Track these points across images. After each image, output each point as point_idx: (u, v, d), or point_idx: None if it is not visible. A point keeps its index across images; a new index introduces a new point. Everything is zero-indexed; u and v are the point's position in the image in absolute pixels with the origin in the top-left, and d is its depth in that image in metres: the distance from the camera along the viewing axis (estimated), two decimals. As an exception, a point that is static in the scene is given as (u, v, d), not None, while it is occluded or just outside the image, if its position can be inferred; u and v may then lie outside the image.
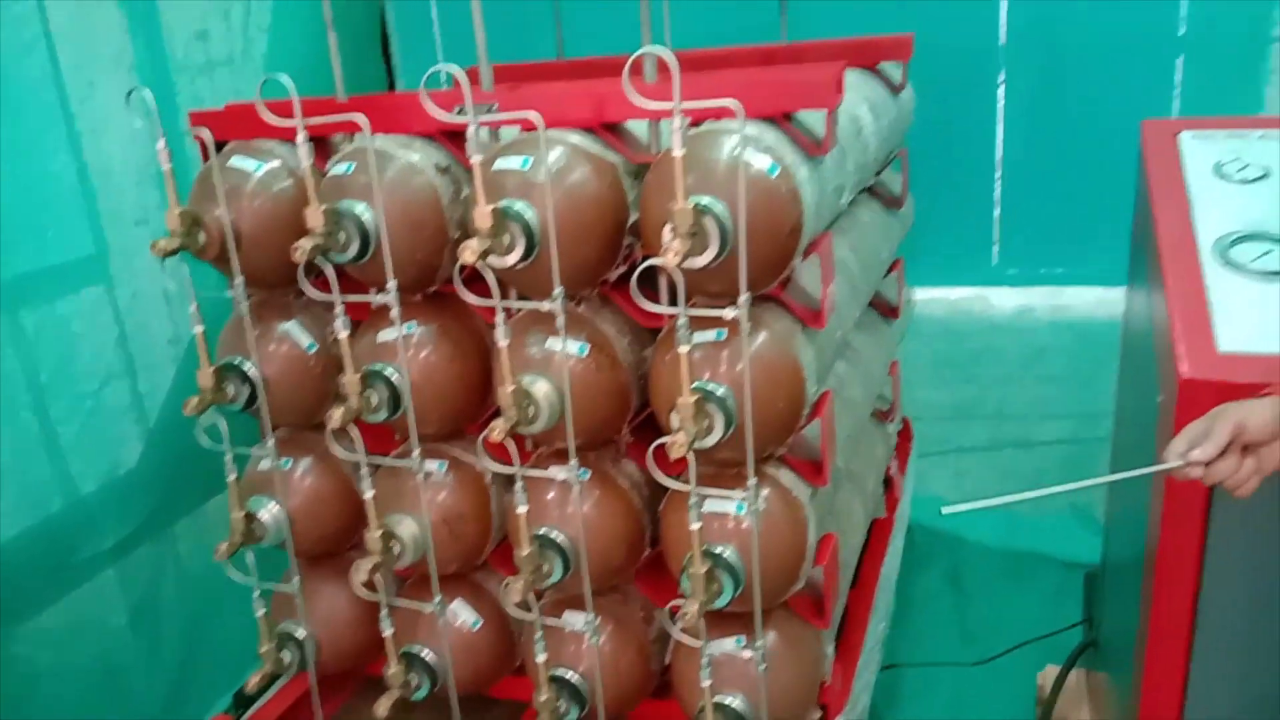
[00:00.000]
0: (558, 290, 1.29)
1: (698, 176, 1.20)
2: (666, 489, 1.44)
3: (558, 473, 1.41)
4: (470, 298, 1.33)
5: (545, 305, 1.30)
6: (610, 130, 1.39)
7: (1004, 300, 3.06)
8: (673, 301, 1.25)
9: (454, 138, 1.46)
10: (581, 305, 1.42)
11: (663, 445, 1.25)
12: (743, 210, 1.17)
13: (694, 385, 1.25)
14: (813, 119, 1.37)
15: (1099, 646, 2.00)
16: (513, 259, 1.27)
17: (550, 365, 1.37)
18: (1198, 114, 2.40)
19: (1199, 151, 1.58)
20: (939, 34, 2.40)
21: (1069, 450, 2.81)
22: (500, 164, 1.31)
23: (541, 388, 1.34)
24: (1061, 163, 2.80)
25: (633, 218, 1.37)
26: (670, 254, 1.14)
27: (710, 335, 1.29)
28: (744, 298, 1.21)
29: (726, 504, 1.35)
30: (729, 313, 1.21)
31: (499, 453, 1.41)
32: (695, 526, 1.29)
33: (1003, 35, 2.80)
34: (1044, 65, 2.76)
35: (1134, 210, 1.80)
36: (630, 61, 1.16)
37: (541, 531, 1.42)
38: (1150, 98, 2.63)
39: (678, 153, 1.15)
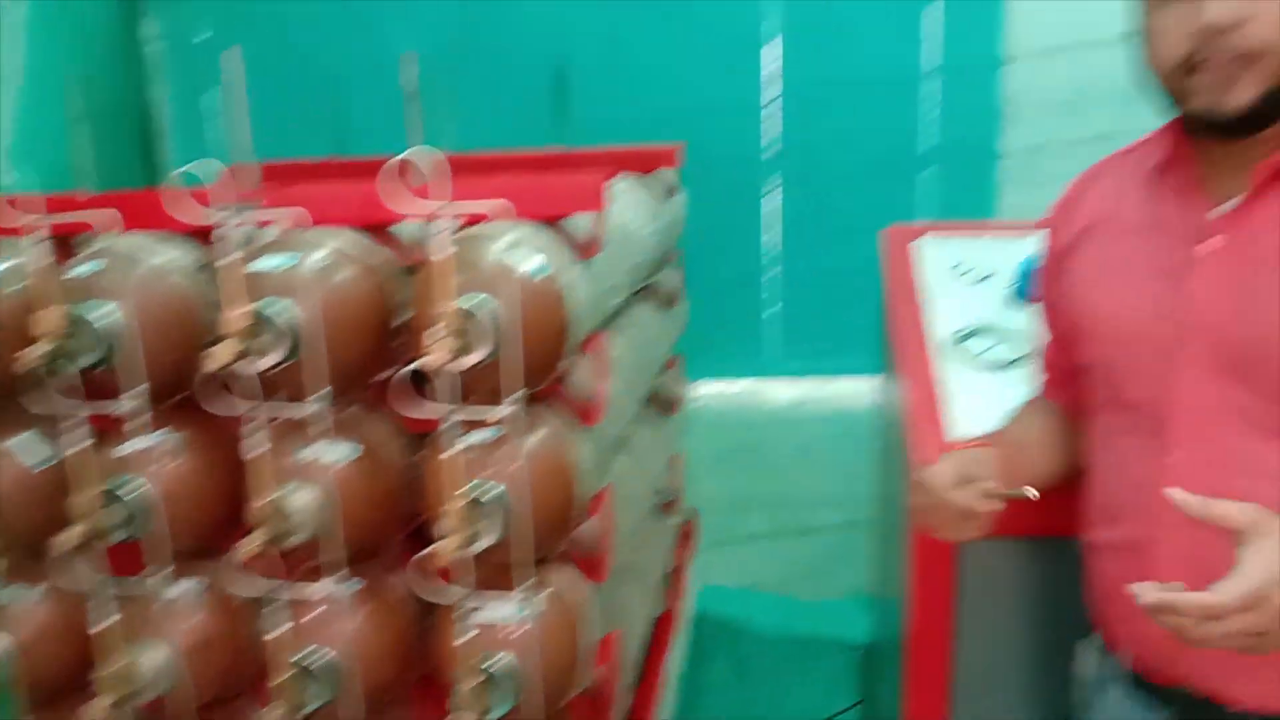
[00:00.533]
0: (323, 392, 1.24)
1: (467, 277, 1.20)
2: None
3: (322, 589, 1.33)
4: (218, 406, 1.25)
5: (307, 409, 1.24)
6: (380, 230, 1.37)
7: (776, 392, 3.23)
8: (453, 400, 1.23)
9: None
10: (350, 408, 1.36)
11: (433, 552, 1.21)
12: (515, 310, 1.18)
13: (466, 487, 1.22)
14: (583, 222, 1.40)
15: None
16: (269, 361, 1.21)
17: (313, 472, 1.30)
18: (940, 219, 2.67)
19: (936, 254, 1.73)
20: (709, 142, 2.54)
21: (844, 534, 2.95)
22: (261, 263, 1.26)
23: (302, 497, 1.27)
24: (821, 262, 3.01)
25: (405, 317, 1.34)
26: (438, 354, 1.12)
27: (483, 435, 1.27)
28: (516, 395, 1.20)
29: (500, 610, 1.31)
30: (499, 412, 1.20)
31: (258, 570, 1.32)
32: (466, 638, 1.24)
33: (767, 144, 3.02)
34: (805, 173, 2.98)
35: (882, 307, 1.94)
36: (397, 162, 1.15)
37: (302, 655, 1.32)
38: (897, 202, 2.89)
39: (445, 253, 1.14)
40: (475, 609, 1.27)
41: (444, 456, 1.25)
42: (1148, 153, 1.06)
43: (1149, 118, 1.14)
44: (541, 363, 1.26)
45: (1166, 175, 1.03)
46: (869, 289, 2.54)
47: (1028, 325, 1.51)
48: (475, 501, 1.22)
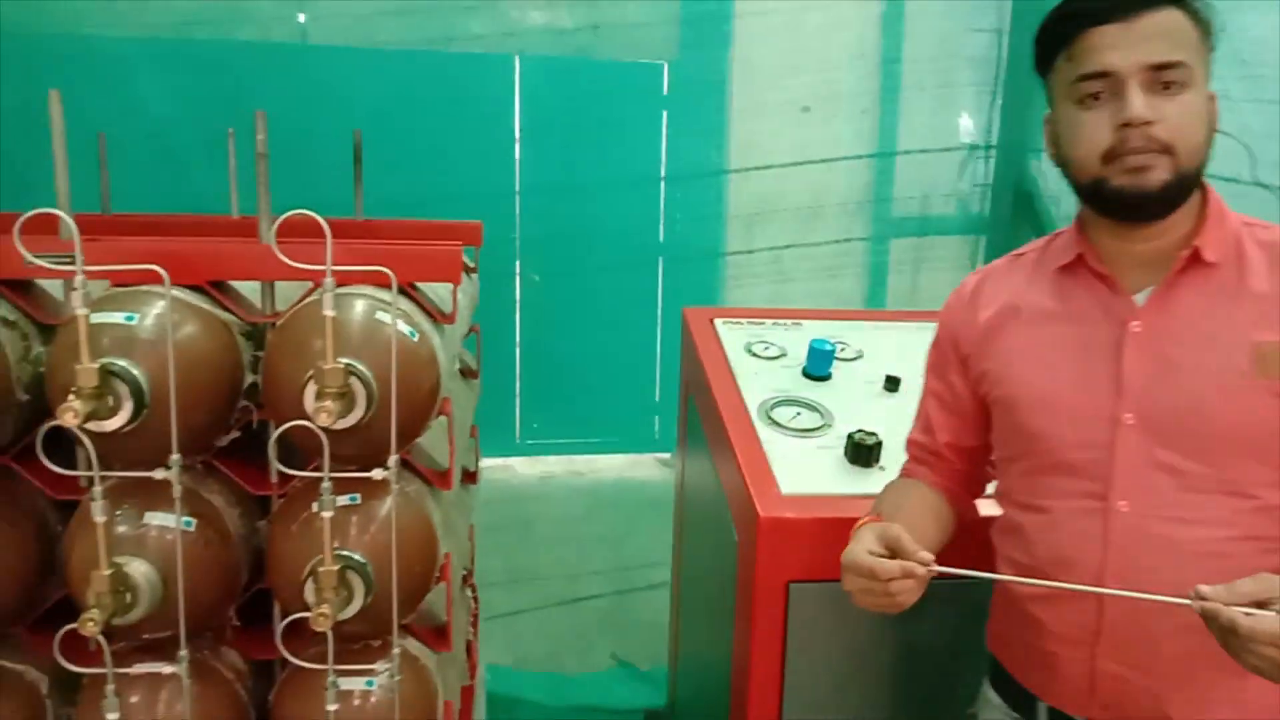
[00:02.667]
0: (175, 457, 1.17)
1: (339, 339, 1.19)
2: (272, 678, 1.33)
3: (160, 667, 1.23)
4: (53, 466, 1.14)
5: (159, 474, 1.16)
6: (219, 289, 1.32)
7: (528, 469, 3.31)
8: (296, 465, 1.20)
9: (19, 289, 1.28)
10: (185, 475, 1.28)
11: (293, 625, 1.16)
12: (394, 371, 1.19)
13: (338, 552, 1.19)
14: (432, 290, 1.43)
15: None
16: (118, 422, 1.13)
17: (147, 543, 1.21)
18: (671, 305, 2.92)
19: (731, 335, 1.91)
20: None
21: (609, 604, 3.05)
22: (101, 317, 1.17)
23: (140, 570, 1.18)
24: (572, 344, 3.17)
25: (249, 380, 1.30)
26: (322, 414, 1.11)
27: (344, 500, 1.25)
28: (394, 458, 1.20)
29: (355, 681, 1.27)
30: (378, 473, 1.19)
31: (73, 653, 1.19)
32: (332, 708, 1.20)
33: (518, 232, 3.15)
34: (553, 261, 3.14)
35: (681, 380, 2.09)
36: (281, 221, 1.14)
37: (135, 741, 1.21)
38: (639, 290, 3.12)
39: (329, 312, 1.13)
40: (339, 678, 1.23)
41: (301, 522, 1.21)
42: (1052, 254, 1.21)
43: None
44: (411, 424, 1.27)
45: (1076, 271, 1.17)
46: (615, 370, 2.72)
47: (818, 398, 1.72)
48: (346, 567, 1.19)
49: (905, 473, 1.38)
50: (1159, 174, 1.04)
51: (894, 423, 1.66)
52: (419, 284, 1.39)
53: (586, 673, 2.87)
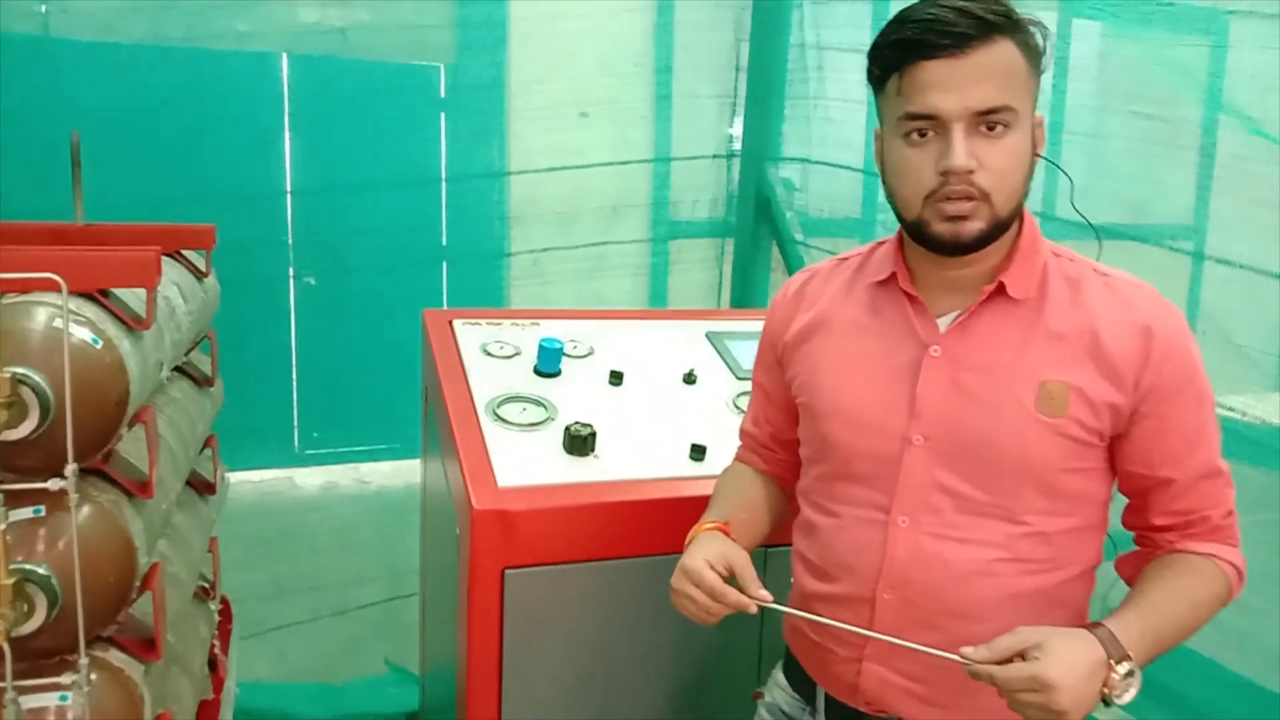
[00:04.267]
0: None
1: (12, 347, 1.16)
2: (-39, 701, 1.28)
3: None
4: None
5: None
6: (-114, 299, 1.26)
7: (309, 479, 3.24)
8: (-24, 479, 1.16)
9: None
10: None
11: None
12: (68, 380, 1.17)
13: (11, 566, 1.16)
14: (130, 296, 1.41)
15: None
16: None
17: None
18: (458, 306, 2.94)
19: (469, 335, 1.96)
20: (236, 227, 2.56)
21: (382, 610, 3.03)
22: None
23: None
24: (351, 349, 3.13)
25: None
26: (-15, 425, 1.08)
27: (26, 512, 1.22)
28: (71, 468, 1.18)
29: (48, 697, 1.24)
30: (55, 484, 1.17)
31: None
32: (14, 726, 1.17)
33: (290, 234, 3.08)
34: (329, 263, 3.10)
35: (422, 383, 2.12)
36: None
37: None
38: (421, 293, 3.12)
39: (-9, 321, 1.11)
40: (24, 695, 1.19)
41: (-17, 536, 1.17)
42: (871, 266, 1.24)
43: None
44: (96, 434, 1.25)
45: (888, 287, 1.20)
46: (397, 373, 2.71)
47: (546, 393, 1.79)
48: (25, 579, 1.16)
49: (737, 458, 1.45)
50: (975, 224, 1.07)
51: (615, 414, 1.76)
52: (114, 290, 1.37)
53: (358, 679, 2.85)
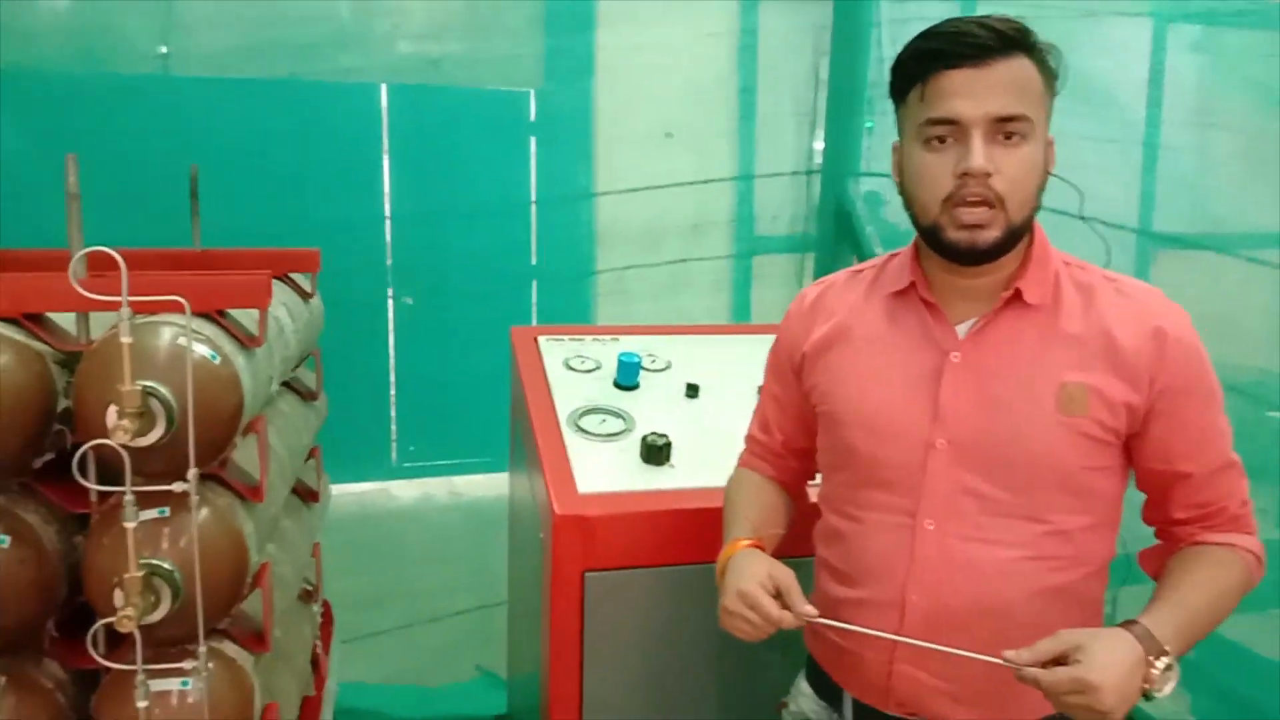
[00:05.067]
0: (-19, 478, 1.25)
1: (141, 363, 1.29)
2: (94, 686, 1.41)
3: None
4: None
5: (-35, 494, 1.24)
6: (33, 320, 1.41)
7: (405, 491, 3.38)
8: (110, 483, 1.29)
9: None
10: (2, 496, 1.37)
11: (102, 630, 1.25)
12: (190, 392, 1.29)
13: (140, 561, 1.29)
14: (244, 316, 1.54)
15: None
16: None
17: (-36, 562, 1.29)
18: (547, 324, 3.04)
19: (553, 351, 2.05)
20: (339, 252, 2.71)
21: (473, 617, 3.14)
22: (-92, 350, 1.25)
23: (-45, 587, 1.26)
24: (446, 367, 3.26)
25: (62, 405, 1.39)
26: (120, 432, 1.21)
27: (153, 513, 1.34)
28: (193, 472, 1.30)
29: (170, 682, 1.37)
30: (179, 486, 1.29)
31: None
32: (143, 704, 1.29)
33: (389, 257, 3.24)
34: (426, 284, 3.24)
35: (510, 399, 2.23)
36: (83, 255, 1.24)
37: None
38: (514, 309, 3.24)
39: (125, 339, 1.24)
40: (151, 680, 1.32)
41: (113, 534, 1.30)
42: (886, 277, 1.28)
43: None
44: (214, 442, 1.37)
45: (907, 297, 1.24)
46: (489, 392, 2.83)
47: (625, 405, 1.87)
48: (152, 574, 1.29)
49: (743, 464, 1.50)
50: (991, 232, 1.12)
51: (691, 425, 1.83)
52: (230, 310, 1.50)
53: (450, 683, 2.97)
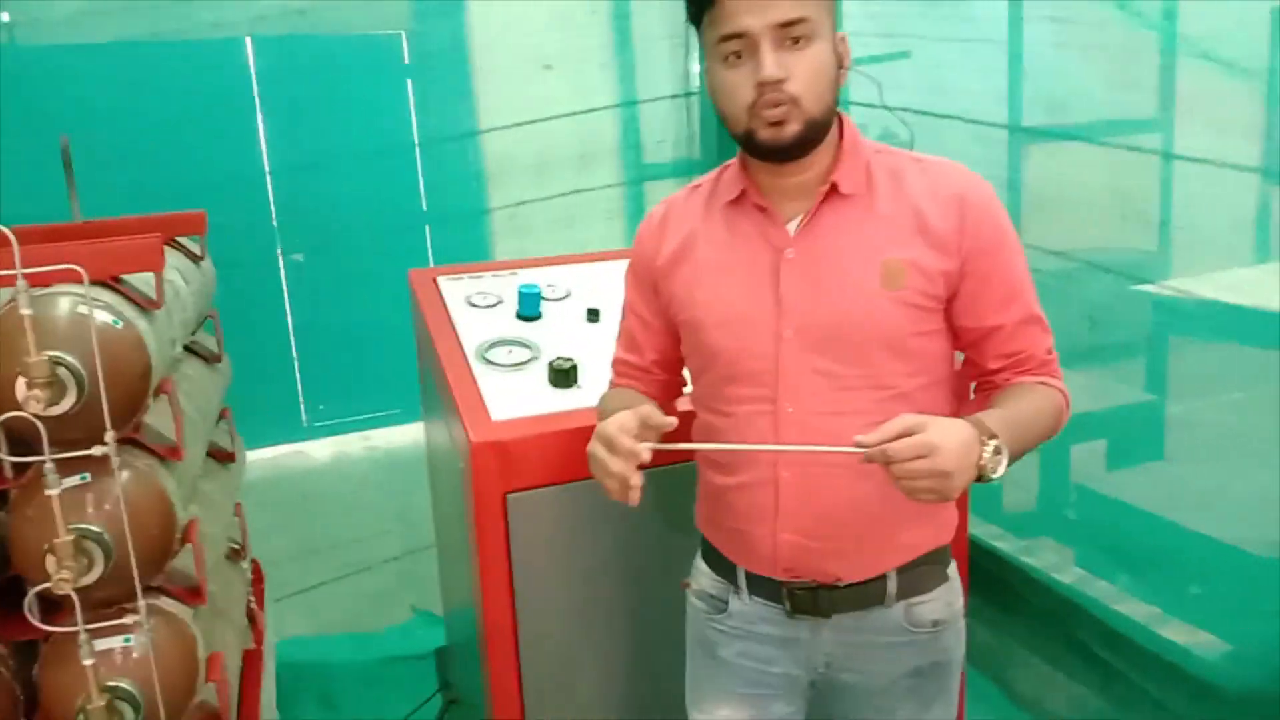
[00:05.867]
0: (-107, 463, 1.26)
1: (44, 334, 1.30)
2: (34, 657, 1.44)
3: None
4: None
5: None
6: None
7: (320, 451, 3.39)
8: (25, 455, 1.31)
9: None
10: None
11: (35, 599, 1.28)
12: (98, 358, 1.31)
13: (69, 527, 1.32)
14: (139, 281, 1.55)
15: (461, 704, 2.37)
16: None
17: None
18: (445, 263, 3.07)
19: (454, 290, 2.10)
20: (223, 211, 2.68)
21: (403, 563, 3.21)
22: None
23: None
24: (347, 320, 3.25)
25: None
26: (32, 403, 1.23)
27: (74, 479, 1.37)
28: (110, 435, 1.33)
29: (113, 640, 1.41)
30: (98, 450, 1.32)
31: None
32: (89, 662, 1.33)
33: (274, 215, 3.20)
34: (316, 238, 3.21)
35: (415, 338, 2.27)
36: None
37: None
38: (409, 255, 3.24)
39: (25, 311, 1.25)
40: (92, 638, 1.35)
41: (37, 503, 1.33)
42: (719, 188, 1.38)
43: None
44: (127, 405, 1.40)
45: (741, 204, 1.34)
46: (395, 341, 2.84)
47: (529, 335, 1.93)
48: (82, 537, 1.32)
49: (614, 385, 1.57)
50: (792, 127, 1.21)
51: (595, 347, 1.90)
52: (125, 276, 1.51)
53: (388, 626, 3.04)
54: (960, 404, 1.39)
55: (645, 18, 3.47)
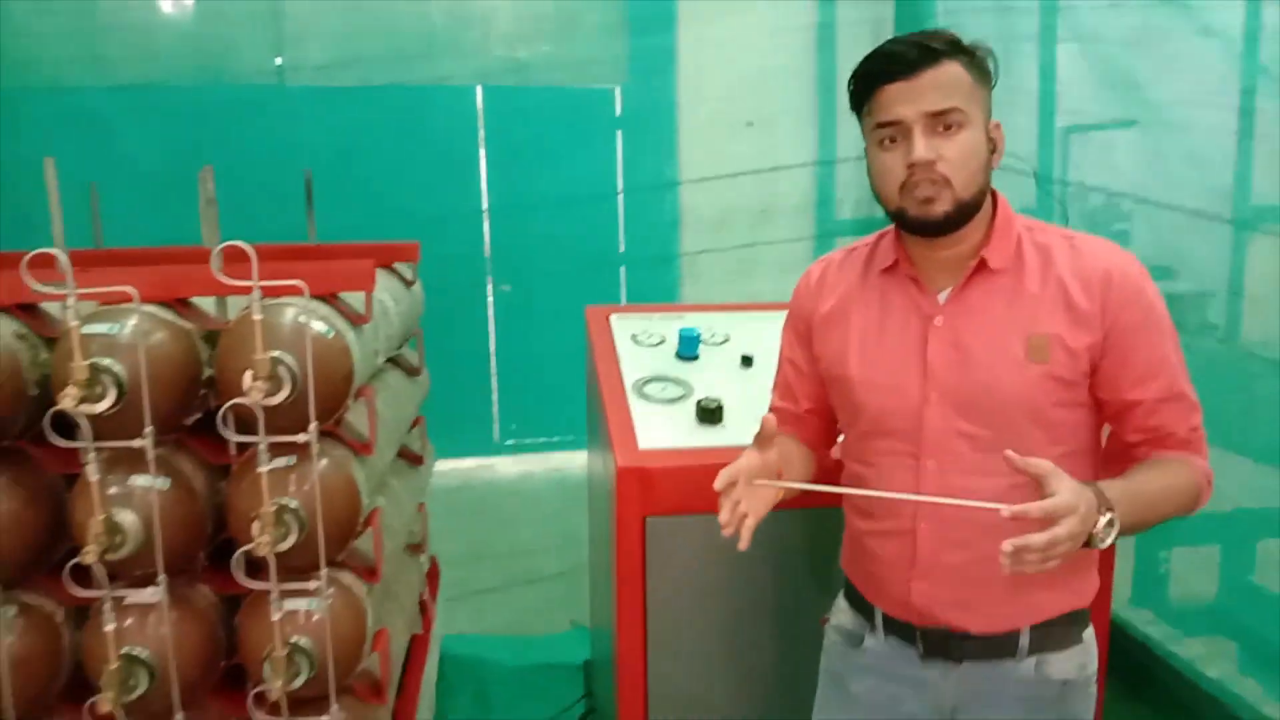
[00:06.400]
0: (148, 429, 1.54)
1: (270, 337, 1.57)
2: (238, 607, 1.70)
3: (145, 595, 1.60)
4: (60, 440, 1.53)
5: (137, 443, 1.54)
6: (183, 304, 1.70)
7: (507, 467, 3.65)
8: (247, 436, 1.57)
9: (27, 311, 1.67)
10: (160, 447, 1.66)
11: (244, 557, 1.54)
12: (309, 360, 1.56)
13: (272, 500, 1.57)
14: (354, 299, 1.81)
15: (597, 715, 2.52)
16: (104, 406, 1.51)
17: (133, 499, 1.59)
18: (637, 302, 3.27)
19: (622, 326, 2.28)
20: (441, 244, 2.98)
21: (568, 578, 3.40)
22: (90, 328, 1.56)
23: (128, 518, 1.56)
24: (543, 350, 3.50)
25: (206, 374, 1.68)
26: (254, 393, 1.49)
27: (282, 461, 1.62)
28: (313, 425, 1.58)
29: (299, 602, 1.65)
30: (302, 437, 1.56)
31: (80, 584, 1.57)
32: (277, 617, 1.57)
33: (487, 249, 3.52)
34: (522, 272, 3.50)
35: (586, 369, 2.46)
36: (222, 249, 1.51)
37: (126, 650, 1.59)
38: (604, 293, 3.48)
39: (257, 317, 1.51)
40: (282, 598, 1.60)
41: (251, 478, 1.59)
42: (875, 255, 1.47)
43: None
44: (330, 402, 1.64)
45: (894, 273, 1.43)
46: (582, 369, 3.06)
47: (684, 375, 2.08)
48: (283, 509, 1.57)
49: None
50: (941, 205, 1.30)
51: (744, 391, 2.03)
52: (341, 293, 1.77)
53: (546, 634, 3.24)
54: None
55: (839, 83, 3.57)
